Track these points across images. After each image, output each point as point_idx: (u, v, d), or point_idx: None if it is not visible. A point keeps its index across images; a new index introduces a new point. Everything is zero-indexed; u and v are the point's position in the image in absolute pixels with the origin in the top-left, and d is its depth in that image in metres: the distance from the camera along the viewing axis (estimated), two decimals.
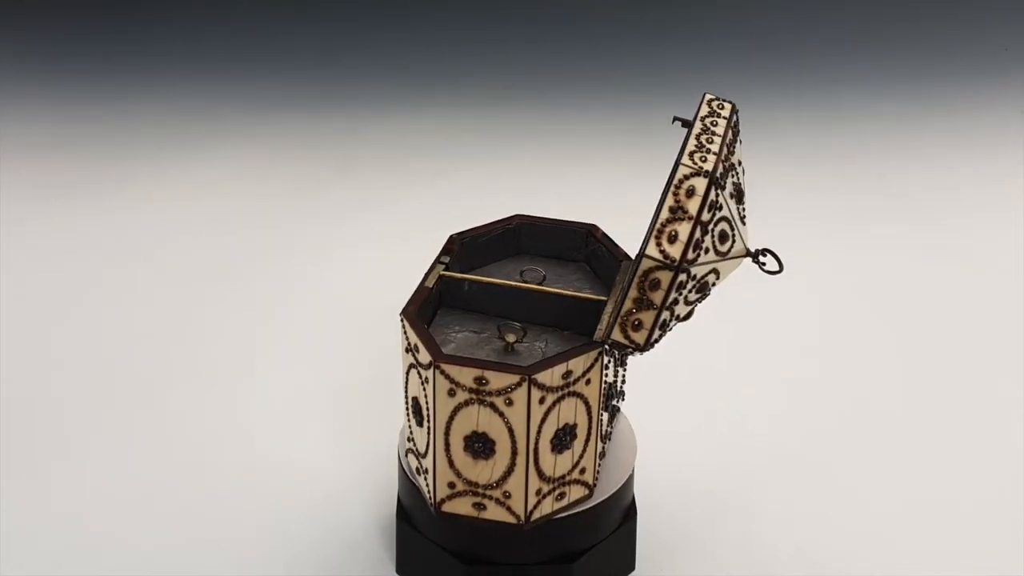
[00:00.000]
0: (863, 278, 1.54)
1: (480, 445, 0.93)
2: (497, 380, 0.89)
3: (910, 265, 1.57)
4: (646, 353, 0.94)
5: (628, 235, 1.63)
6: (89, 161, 1.81)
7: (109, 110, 1.96)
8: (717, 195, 0.87)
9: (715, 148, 0.89)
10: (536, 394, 0.90)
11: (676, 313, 0.91)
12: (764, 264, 0.93)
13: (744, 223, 0.93)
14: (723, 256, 0.90)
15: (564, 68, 2.12)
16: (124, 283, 1.51)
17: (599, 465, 0.99)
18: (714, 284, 0.92)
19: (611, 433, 1.04)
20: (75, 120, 1.93)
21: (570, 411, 0.93)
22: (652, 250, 0.86)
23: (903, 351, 1.40)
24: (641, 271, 0.87)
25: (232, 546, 1.10)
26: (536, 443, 0.92)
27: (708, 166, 0.87)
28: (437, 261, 1.02)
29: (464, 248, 1.05)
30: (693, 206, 0.86)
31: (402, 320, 0.94)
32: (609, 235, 1.08)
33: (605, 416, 0.98)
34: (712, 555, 1.10)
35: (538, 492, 0.95)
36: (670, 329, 0.92)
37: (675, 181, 0.87)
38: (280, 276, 1.53)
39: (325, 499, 1.16)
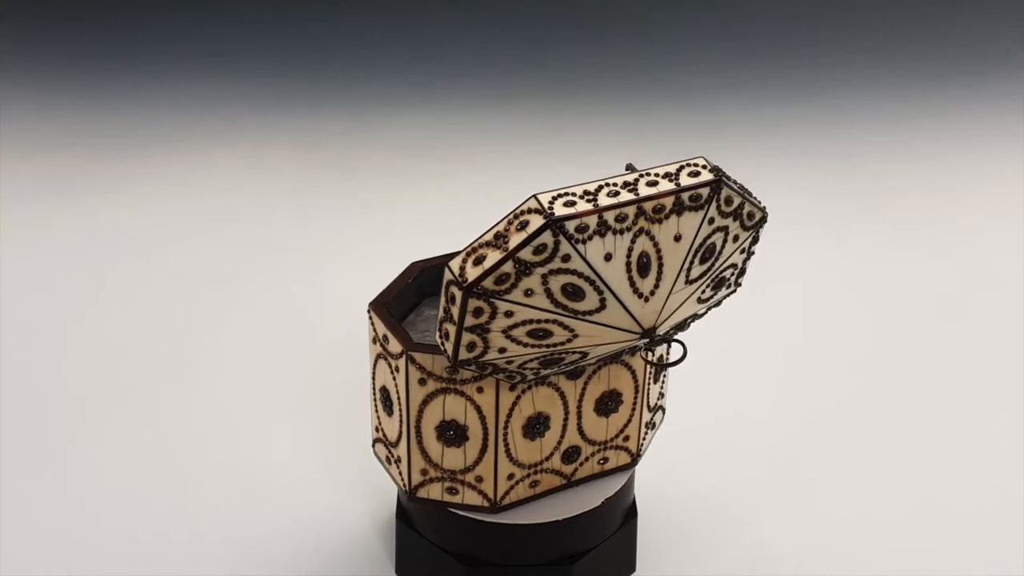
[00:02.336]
0: (863, 279, 1.54)
1: (452, 433, 0.94)
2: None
3: (910, 265, 1.57)
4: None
5: None
6: (89, 161, 1.81)
7: (109, 110, 1.96)
8: (557, 243, 0.81)
9: (602, 202, 0.81)
10: (505, 382, 0.91)
11: (506, 350, 0.86)
12: (651, 352, 0.91)
13: (647, 300, 0.86)
14: (574, 314, 0.85)
15: (565, 68, 2.12)
16: (124, 283, 1.51)
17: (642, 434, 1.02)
18: (579, 353, 0.89)
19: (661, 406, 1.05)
20: (75, 120, 1.93)
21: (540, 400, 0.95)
22: (455, 262, 0.84)
23: (903, 352, 1.40)
24: (444, 280, 0.84)
25: (232, 547, 1.10)
26: (506, 429, 0.94)
27: (560, 211, 0.80)
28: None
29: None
30: (514, 240, 0.81)
31: (369, 312, 0.96)
32: None
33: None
34: (713, 556, 1.10)
35: (510, 477, 0.97)
36: (520, 376, 0.89)
37: (517, 208, 0.83)
38: (280, 276, 1.53)
39: (325, 500, 1.16)
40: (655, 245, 0.84)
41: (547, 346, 0.88)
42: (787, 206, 1.72)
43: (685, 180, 0.83)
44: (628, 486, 1.03)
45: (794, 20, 2.24)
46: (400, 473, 0.98)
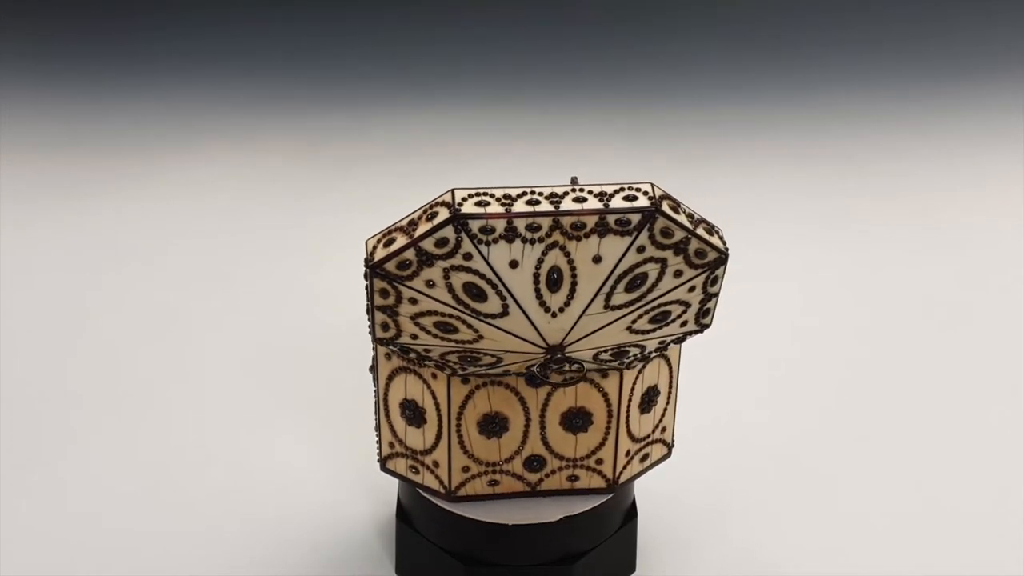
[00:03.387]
0: (863, 279, 1.54)
1: (411, 412, 0.95)
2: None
3: (909, 265, 1.57)
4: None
5: None
6: (89, 161, 1.81)
7: (109, 110, 1.96)
8: (459, 239, 0.81)
9: (516, 208, 0.81)
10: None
11: (417, 337, 0.87)
12: (548, 371, 0.90)
13: (555, 316, 0.85)
14: (475, 315, 0.85)
15: (565, 68, 2.12)
16: (124, 282, 1.51)
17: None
18: (491, 355, 0.89)
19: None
20: (75, 120, 1.93)
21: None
22: (371, 240, 0.84)
23: (902, 352, 1.40)
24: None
25: (232, 547, 1.10)
26: (459, 420, 0.95)
27: (468, 209, 0.80)
28: None
29: None
30: (421, 229, 0.81)
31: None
32: None
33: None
34: (712, 556, 1.10)
35: (465, 469, 0.98)
36: (438, 361, 0.89)
37: (436, 198, 0.83)
38: (280, 276, 1.53)
39: (325, 500, 1.16)
40: (570, 262, 0.82)
41: (456, 342, 0.87)
42: (787, 206, 1.72)
43: (617, 203, 0.81)
44: (628, 486, 1.03)
45: (794, 20, 2.24)
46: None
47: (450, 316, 0.85)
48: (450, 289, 0.84)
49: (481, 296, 0.84)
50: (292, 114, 1.96)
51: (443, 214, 0.81)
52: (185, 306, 1.47)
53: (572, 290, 0.84)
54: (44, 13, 2.24)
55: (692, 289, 0.86)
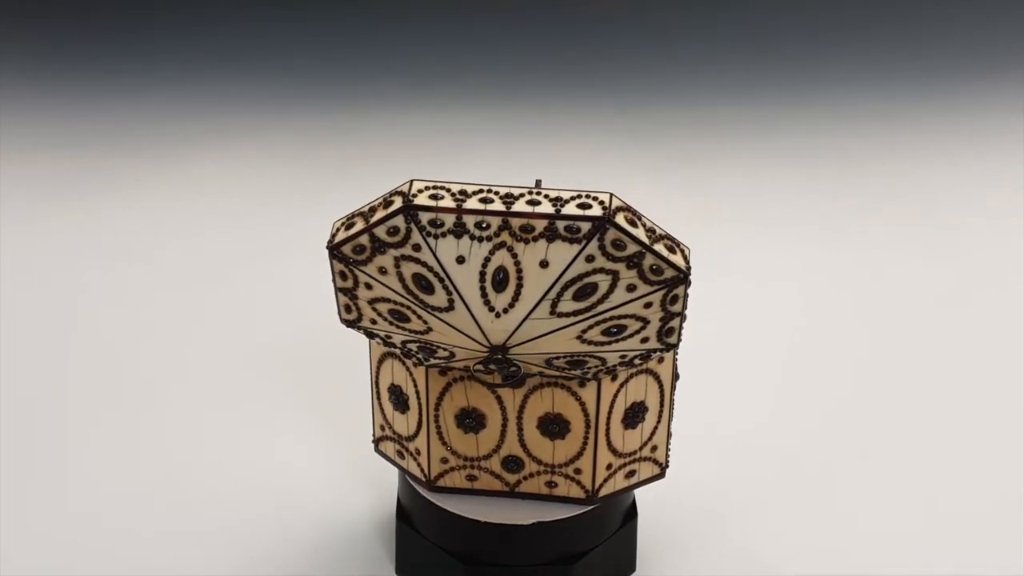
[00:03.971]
0: (863, 279, 1.54)
1: (395, 398, 0.96)
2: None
3: (910, 265, 1.57)
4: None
5: None
6: (89, 161, 1.81)
7: (109, 110, 1.96)
8: (409, 230, 0.82)
9: (468, 205, 0.81)
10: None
11: (376, 322, 0.88)
12: (488, 368, 0.90)
13: (498, 316, 0.85)
14: (423, 306, 0.86)
15: (565, 68, 2.12)
16: (124, 282, 1.51)
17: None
18: (435, 349, 0.89)
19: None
20: (75, 120, 1.93)
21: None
22: (338, 221, 0.86)
23: (903, 352, 1.40)
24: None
25: (232, 546, 1.10)
26: (437, 411, 0.95)
27: (420, 200, 0.81)
28: None
29: None
30: (377, 215, 0.83)
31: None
32: None
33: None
34: (712, 556, 1.10)
35: (443, 460, 0.99)
36: (393, 343, 0.89)
37: (396, 187, 0.84)
38: (279, 275, 1.53)
39: (325, 499, 1.16)
40: (516, 264, 0.82)
41: (410, 331, 0.88)
42: (787, 206, 1.72)
43: (569, 209, 0.81)
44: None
45: (794, 20, 2.24)
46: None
47: (402, 305, 0.86)
48: (400, 278, 0.84)
49: (429, 288, 0.84)
50: (292, 114, 1.96)
51: (397, 203, 0.82)
52: (184, 306, 1.47)
53: (517, 292, 0.84)
54: (44, 13, 2.24)
55: (648, 306, 0.84)
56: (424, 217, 0.81)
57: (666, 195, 1.74)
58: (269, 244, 1.60)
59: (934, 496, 1.17)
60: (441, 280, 0.84)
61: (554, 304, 0.84)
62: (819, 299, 1.50)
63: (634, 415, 0.96)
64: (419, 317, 0.87)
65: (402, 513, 1.05)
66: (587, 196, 0.82)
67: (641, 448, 0.98)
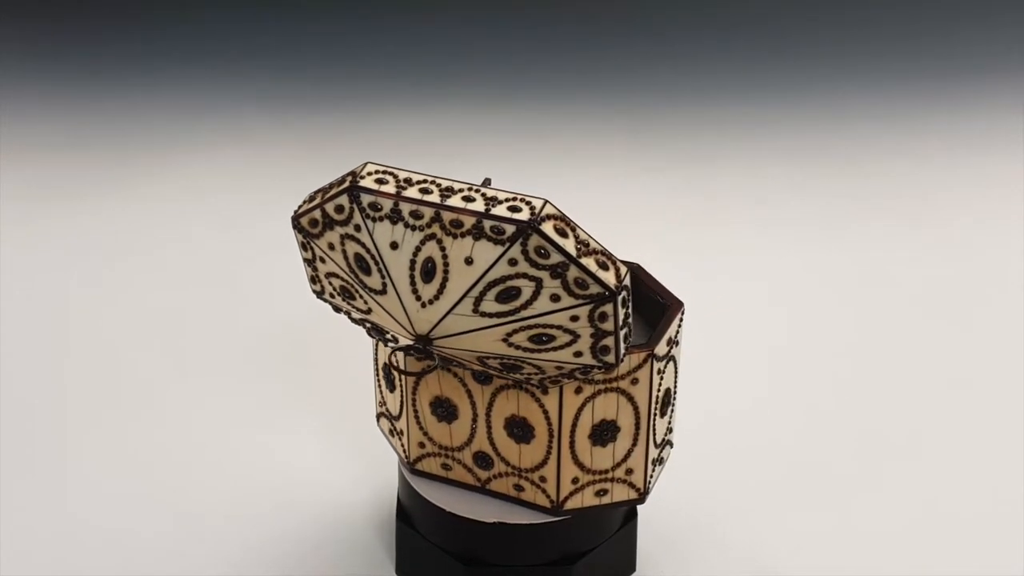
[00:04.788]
0: (862, 279, 1.54)
1: (388, 377, 0.98)
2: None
3: (910, 265, 1.57)
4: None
5: (628, 234, 1.63)
6: (89, 161, 1.81)
7: (109, 110, 1.96)
8: (352, 210, 0.84)
9: (406, 193, 0.83)
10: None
11: (336, 297, 0.91)
12: (395, 345, 0.91)
13: (424, 306, 0.86)
14: (363, 287, 0.87)
15: (565, 68, 2.12)
16: (124, 282, 1.51)
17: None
18: (383, 331, 0.90)
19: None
20: (75, 120, 1.93)
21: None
22: (309, 194, 0.88)
23: (903, 352, 1.40)
24: None
25: (231, 546, 1.10)
26: (414, 395, 0.96)
27: (365, 182, 0.83)
28: None
29: None
30: (331, 192, 0.85)
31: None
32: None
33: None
34: (712, 556, 1.10)
35: (421, 445, 1.01)
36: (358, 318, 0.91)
37: (351, 169, 0.86)
38: (281, 274, 1.53)
39: (325, 499, 1.16)
40: (444, 257, 0.83)
41: (358, 310, 0.90)
42: (787, 206, 1.72)
43: (499, 210, 0.81)
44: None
45: (794, 20, 2.24)
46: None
47: (347, 282, 0.88)
48: (345, 256, 0.86)
49: (367, 269, 0.86)
50: (292, 114, 1.96)
51: (345, 183, 0.84)
52: (184, 305, 1.47)
53: (443, 285, 0.84)
54: (44, 13, 2.24)
55: (575, 319, 0.84)
56: (365, 199, 0.83)
57: (666, 195, 1.74)
58: (269, 244, 1.60)
59: (934, 496, 1.17)
60: (376, 263, 0.85)
61: (477, 302, 0.84)
62: (819, 299, 1.50)
63: (603, 433, 0.94)
64: (361, 297, 0.89)
65: (402, 513, 1.05)
66: (521, 199, 0.82)
67: (614, 469, 0.96)
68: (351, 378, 1.32)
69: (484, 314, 0.85)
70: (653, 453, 0.97)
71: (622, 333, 0.85)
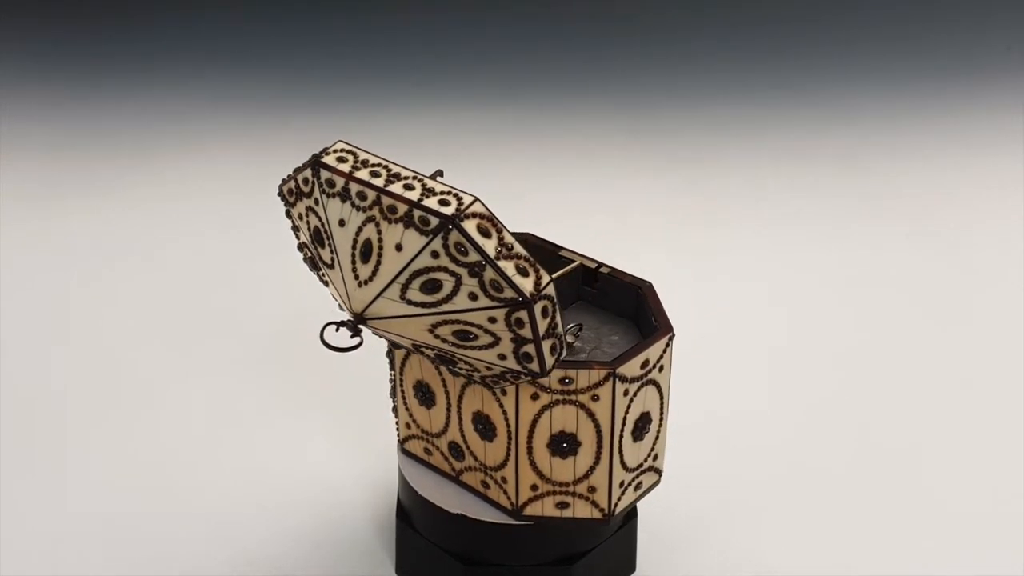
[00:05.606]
0: (862, 279, 1.54)
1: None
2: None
3: (910, 265, 1.57)
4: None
5: (628, 234, 1.63)
6: (89, 161, 1.81)
7: (109, 110, 1.96)
8: (313, 184, 0.87)
9: (357, 174, 0.86)
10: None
11: (317, 268, 0.93)
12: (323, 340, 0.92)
13: (360, 286, 0.88)
14: (320, 259, 0.90)
15: (565, 68, 2.12)
16: (124, 282, 1.51)
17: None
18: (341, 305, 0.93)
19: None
20: (75, 120, 1.93)
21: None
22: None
23: (903, 352, 1.40)
24: None
25: (231, 546, 1.10)
26: (401, 376, 0.97)
27: (326, 159, 0.87)
28: None
29: None
30: (302, 165, 0.89)
31: None
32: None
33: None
34: (712, 556, 1.10)
35: (408, 425, 1.02)
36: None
37: (326, 147, 0.89)
38: (279, 275, 1.53)
39: (325, 499, 1.16)
40: (379, 240, 0.85)
41: (323, 282, 0.93)
42: (786, 206, 1.72)
43: (429, 201, 0.83)
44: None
45: (794, 20, 2.24)
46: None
47: (312, 253, 0.91)
48: (309, 228, 0.90)
49: (322, 243, 0.89)
50: (292, 114, 1.96)
51: (313, 157, 0.87)
52: (184, 305, 1.47)
53: (376, 267, 0.86)
54: (44, 13, 2.24)
55: (493, 321, 0.85)
56: (324, 175, 0.86)
57: (666, 195, 1.74)
58: (269, 244, 1.60)
59: (934, 496, 1.17)
60: (328, 238, 0.88)
61: (404, 289, 0.86)
62: (819, 299, 1.50)
63: (562, 445, 0.93)
64: (320, 268, 0.91)
65: (402, 513, 1.05)
66: (454, 194, 0.84)
67: (575, 483, 0.95)
68: (351, 378, 1.32)
69: (410, 302, 0.86)
70: (622, 475, 0.95)
71: (546, 344, 0.85)
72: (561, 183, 1.78)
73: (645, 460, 0.97)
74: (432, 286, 0.85)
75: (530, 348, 0.85)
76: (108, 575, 1.07)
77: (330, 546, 1.10)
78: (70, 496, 1.16)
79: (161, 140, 1.88)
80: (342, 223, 0.87)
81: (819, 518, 1.14)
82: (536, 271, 0.84)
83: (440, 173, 0.90)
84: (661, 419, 0.97)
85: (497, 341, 0.86)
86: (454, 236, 0.82)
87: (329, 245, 0.88)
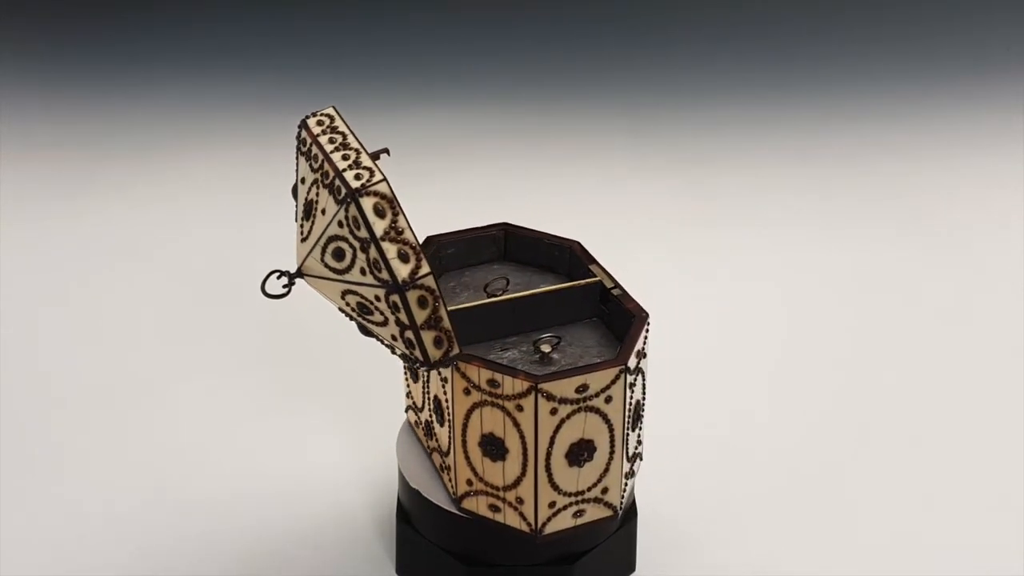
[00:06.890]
0: (862, 279, 1.54)
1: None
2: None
3: (910, 265, 1.57)
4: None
5: (628, 234, 1.63)
6: (89, 161, 1.81)
7: (109, 110, 1.96)
8: (299, 140, 0.92)
9: (320, 139, 0.90)
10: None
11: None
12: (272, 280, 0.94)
13: (302, 240, 0.91)
14: (305, 232, 0.93)
15: (565, 68, 2.12)
16: (125, 282, 1.51)
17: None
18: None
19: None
20: (75, 120, 1.93)
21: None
22: None
23: (904, 352, 1.40)
24: None
25: (232, 547, 1.10)
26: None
27: (311, 122, 0.92)
28: None
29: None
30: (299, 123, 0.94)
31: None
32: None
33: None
34: (712, 556, 1.10)
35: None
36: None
37: (316, 110, 0.94)
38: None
39: (325, 500, 1.16)
40: (316, 202, 0.90)
41: None
42: (786, 206, 1.72)
43: (347, 174, 0.87)
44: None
45: (794, 20, 2.24)
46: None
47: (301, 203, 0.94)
48: (300, 179, 0.94)
49: (295, 194, 0.94)
50: (292, 114, 1.96)
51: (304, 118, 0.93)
52: (184, 305, 1.47)
53: (311, 228, 0.90)
54: (44, 13, 2.24)
55: (379, 300, 0.87)
56: (302, 134, 0.92)
57: (666, 195, 1.75)
58: (269, 244, 1.60)
59: (933, 497, 1.17)
60: (296, 191, 0.94)
61: (323, 252, 0.89)
62: (819, 299, 1.50)
63: (489, 446, 0.93)
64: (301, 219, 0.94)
65: (402, 513, 1.05)
66: (370, 172, 0.87)
67: (504, 489, 0.94)
68: (352, 378, 1.32)
69: (326, 265, 0.90)
70: (552, 496, 0.94)
71: (428, 335, 0.87)
72: (561, 183, 1.78)
73: (588, 490, 0.95)
74: (338, 254, 0.88)
75: (411, 335, 0.88)
76: (107, 575, 1.07)
77: (330, 547, 1.10)
78: (69, 495, 1.16)
79: (162, 140, 1.88)
80: (303, 181, 0.92)
81: (819, 518, 1.14)
82: (417, 260, 0.86)
83: (386, 151, 0.93)
84: (611, 452, 0.94)
85: (387, 321, 0.89)
86: (352, 210, 0.86)
87: (296, 198, 0.94)
